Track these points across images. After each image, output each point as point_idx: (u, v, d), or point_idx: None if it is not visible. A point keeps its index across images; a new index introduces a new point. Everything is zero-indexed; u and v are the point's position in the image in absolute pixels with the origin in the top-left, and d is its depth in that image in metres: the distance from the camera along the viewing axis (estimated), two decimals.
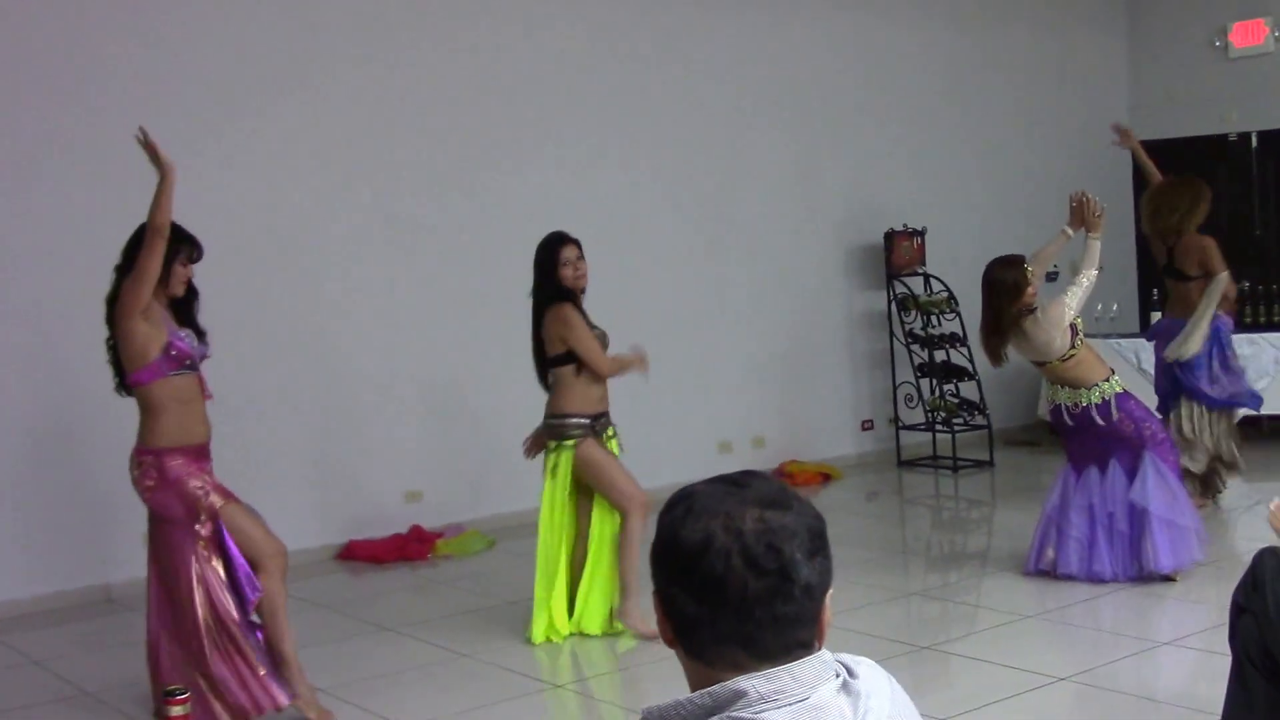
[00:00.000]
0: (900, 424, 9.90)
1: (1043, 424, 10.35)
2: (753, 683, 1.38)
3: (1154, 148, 8.61)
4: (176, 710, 4.07)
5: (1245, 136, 11.08)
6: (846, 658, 1.47)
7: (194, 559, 4.51)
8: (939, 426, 9.67)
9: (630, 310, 8.08)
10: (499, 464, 8.08)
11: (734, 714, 1.37)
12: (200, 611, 4.49)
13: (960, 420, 9.62)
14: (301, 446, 7.46)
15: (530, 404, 7.86)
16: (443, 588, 6.83)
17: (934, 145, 10.40)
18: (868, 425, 10.02)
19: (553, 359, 5.56)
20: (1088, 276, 6.16)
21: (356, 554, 7.46)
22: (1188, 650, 5.32)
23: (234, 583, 4.58)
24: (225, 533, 4.54)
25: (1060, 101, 11.25)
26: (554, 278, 5.51)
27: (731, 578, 1.37)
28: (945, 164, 10.47)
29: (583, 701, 5.17)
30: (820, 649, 1.43)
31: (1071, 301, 6.09)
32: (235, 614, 4.53)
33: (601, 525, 5.73)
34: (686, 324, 8.90)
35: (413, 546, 7.50)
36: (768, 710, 1.37)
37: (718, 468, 9.45)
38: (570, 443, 5.59)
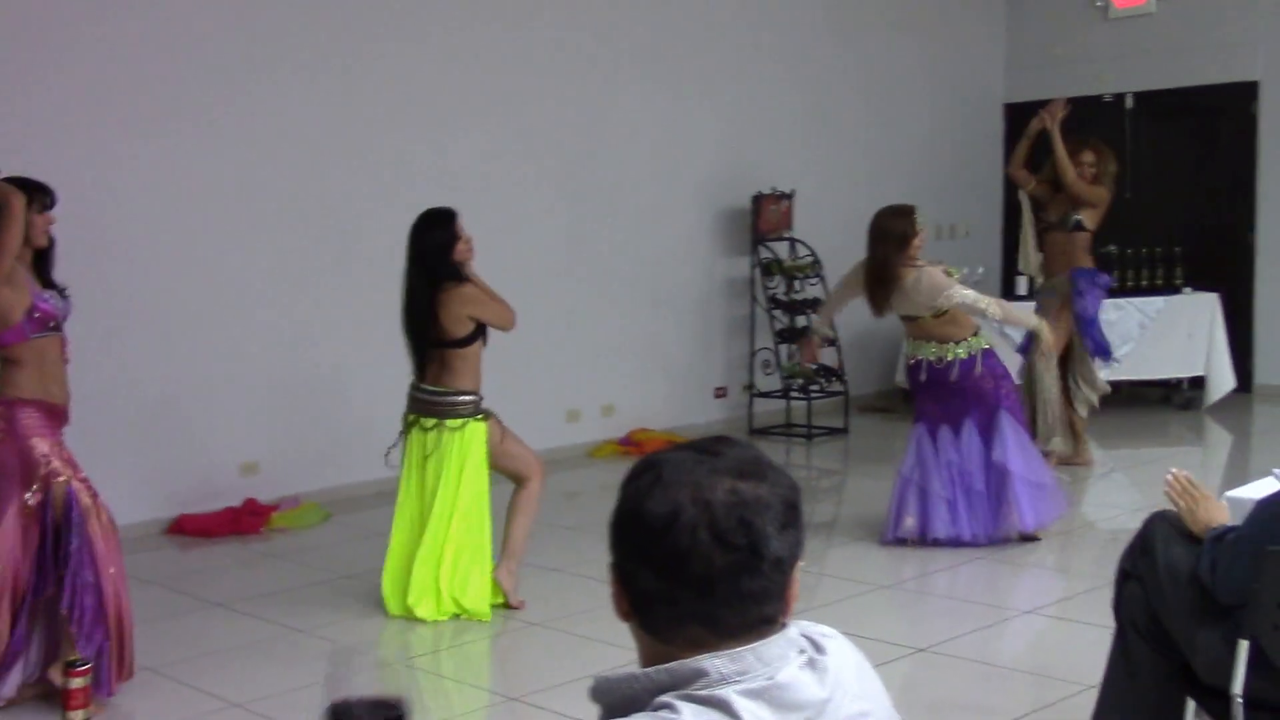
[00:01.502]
0: (755, 391, 9.99)
1: (898, 390, 10.59)
2: (715, 662, 1.35)
3: (1027, 108, 8.81)
4: (77, 683, 3.99)
5: (1120, 97, 11.39)
6: (813, 631, 1.44)
7: (9, 519, 4.46)
8: (794, 394, 9.78)
9: (480, 270, 7.95)
10: (338, 435, 7.96)
11: (693, 692, 1.33)
12: None
13: (817, 387, 9.74)
14: (132, 415, 7.23)
15: (373, 375, 7.78)
16: (277, 562, 6.70)
17: (805, 106, 10.49)
18: (721, 393, 10.09)
19: (457, 341, 5.51)
20: (987, 307, 6.16)
21: (186, 528, 7.27)
22: (1047, 619, 5.47)
23: (42, 561, 4.50)
24: (49, 508, 4.49)
25: (934, 60, 11.44)
26: (449, 257, 5.48)
27: (696, 553, 1.33)
28: (816, 125, 10.57)
29: (426, 678, 5.12)
30: (785, 624, 1.40)
31: (957, 296, 6.14)
32: (25, 587, 4.52)
33: (472, 502, 5.65)
34: (537, 286, 8.84)
35: (246, 520, 7.34)
36: (727, 688, 1.33)
37: (564, 438, 9.46)
38: (481, 418, 5.62)
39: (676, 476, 1.37)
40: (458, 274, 5.51)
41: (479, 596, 5.64)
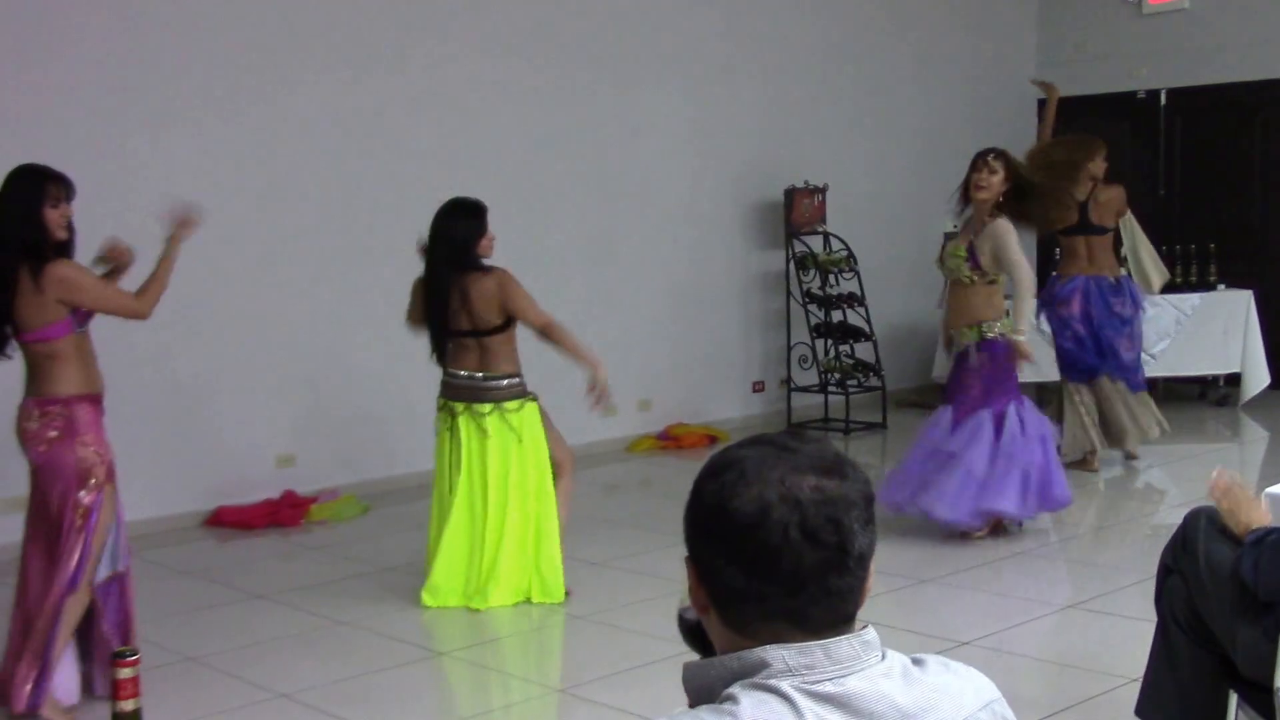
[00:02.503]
0: (793, 385, 10.01)
1: (935, 385, 10.57)
2: (783, 653, 1.35)
3: (1061, 104, 8.81)
4: (126, 673, 4.04)
5: (1154, 94, 11.34)
6: (924, 656, 1.43)
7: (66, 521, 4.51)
8: (832, 388, 9.80)
9: (512, 265, 7.97)
10: (373, 429, 8.02)
11: (757, 680, 1.34)
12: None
13: (854, 382, 9.76)
14: (168, 409, 7.30)
15: (408, 367, 7.83)
16: (317, 554, 6.76)
17: (836, 100, 10.48)
18: (759, 387, 10.12)
19: (496, 327, 5.56)
20: (1023, 277, 6.26)
21: (225, 520, 7.33)
22: (1089, 613, 5.48)
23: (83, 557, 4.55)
24: (97, 509, 4.53)
25: (966, 54, 11.41)
26: (474, 249, 5.53)
27: (787, 550, 1.33)
28: (847, 119, 10.56)
29: (470, 670, 5.17)
30: (865, 625, 1.40)
31: (1016, 269, 6.27)
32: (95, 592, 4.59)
33: (517, 493, 5.68)
34: (574, 281, 8.87)
35: (285, 512, 7.40)
36: (793, 680, 1.33)
37: (601, 432, 9.43)
38: (532, 399, 5.69)
39: (761, 473, 1.36)
40: (481, 265, 5.57)
41: (555, 575, 5.68)
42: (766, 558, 1.34)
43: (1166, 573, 3.33)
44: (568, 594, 5.74)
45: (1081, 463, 8.06)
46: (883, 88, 10.82)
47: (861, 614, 1.43)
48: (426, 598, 5.72)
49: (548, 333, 5.56)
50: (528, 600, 5.71)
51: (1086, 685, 4.54)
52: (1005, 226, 6.31)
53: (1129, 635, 4.87)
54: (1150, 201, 10.86)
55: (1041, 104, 11.52)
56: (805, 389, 9.97)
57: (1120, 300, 8.12)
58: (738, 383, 10.01)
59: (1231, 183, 11.04)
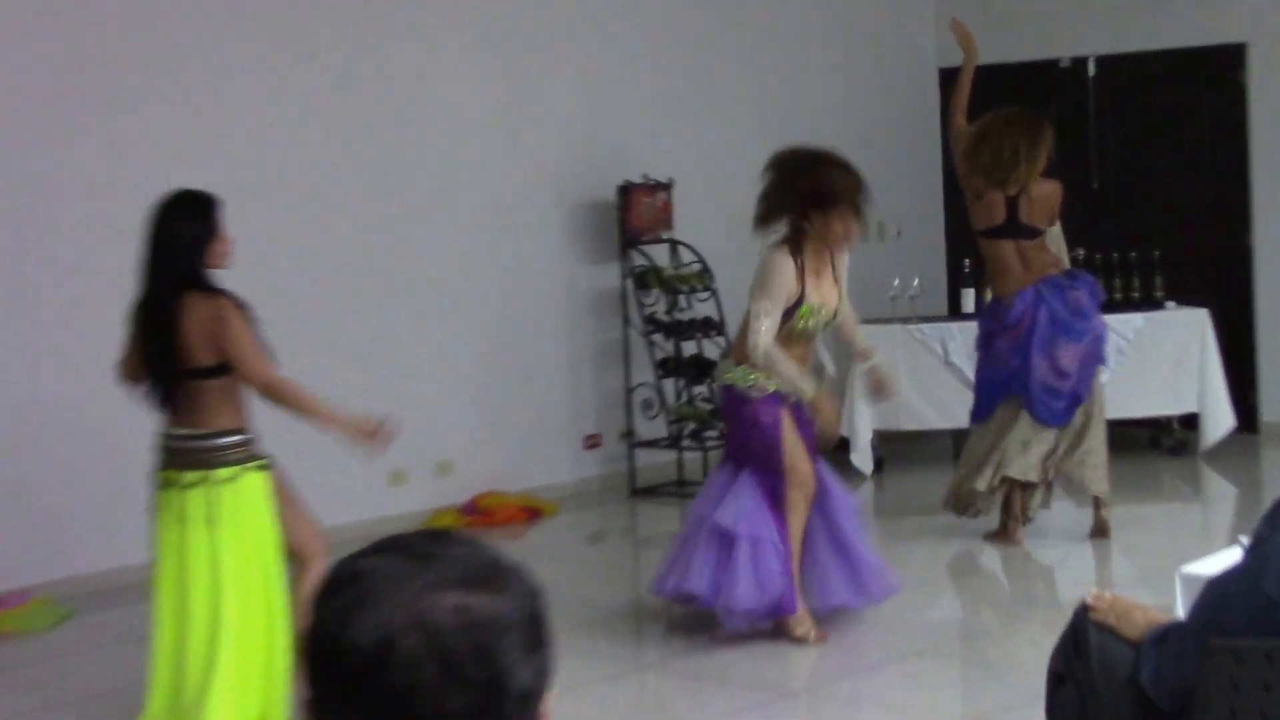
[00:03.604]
0: (636, 439, 10.00)
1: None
2: None
3: None
4: None
5: (1081, 63, 11.60)
6: None
7: None
8: (686, 442, 9.81)
9: (267, 290, 7.86)
10: (82, 508, 7.84)
11: None
12: None
13: (714, 433, 9.75)
14: None
15: (124, 423, 7.64)
16: None
17: (685, 75, 10.56)
18: (593, 442, 10.10)
19: (206, 369, 5.42)
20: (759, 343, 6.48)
21: None
22: None
23: None
24: None
25: (849, 19, 11.60)
26: (203, 257, 5.43)
27: (421, 694, 1.32)
28: (700, 99, 10.64)
29: None
30: None
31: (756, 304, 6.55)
32: None
33: (235, 591, 5.53)
34: (340, 310, 8.82)
35: None
36: None
37: (387, 506, 9.37)
38: (258, 465, 5.54)
39: (386, 592, 1.35)
40: (208, 281, 5.46)
41: (277, 703, 5.54)
42: (394, 703, 1.32)
43: (1057, 681, 3.42)
44: None
45: (999, 534, 8.14)
46: (742, 59, 10.93)
47: None
48: None
49: (268, 393, 5.49)
50: None
51: None
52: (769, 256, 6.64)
53: None
54: (1080, 199, 11.06)
55: (947, 75, 11.76)
56: (652, 444, 9.97)
57: (1078, 292, 8.11)
58: (565, 438, 9.99)
59: (1177, 173, 11.31)
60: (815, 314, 6.58)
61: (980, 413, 8.19)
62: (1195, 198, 11.26)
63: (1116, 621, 3.36)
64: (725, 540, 6.51)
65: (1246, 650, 2.90)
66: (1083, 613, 3.46)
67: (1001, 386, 8.04)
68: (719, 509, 6.57)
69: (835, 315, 6.71)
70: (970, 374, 9.24)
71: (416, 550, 1.40)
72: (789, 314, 6.50)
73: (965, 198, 8.30)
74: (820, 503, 6.68)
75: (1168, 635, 3.14)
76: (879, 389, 7.23)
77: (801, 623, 6.55)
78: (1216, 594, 3.03)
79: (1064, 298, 8.04)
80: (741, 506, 6.53)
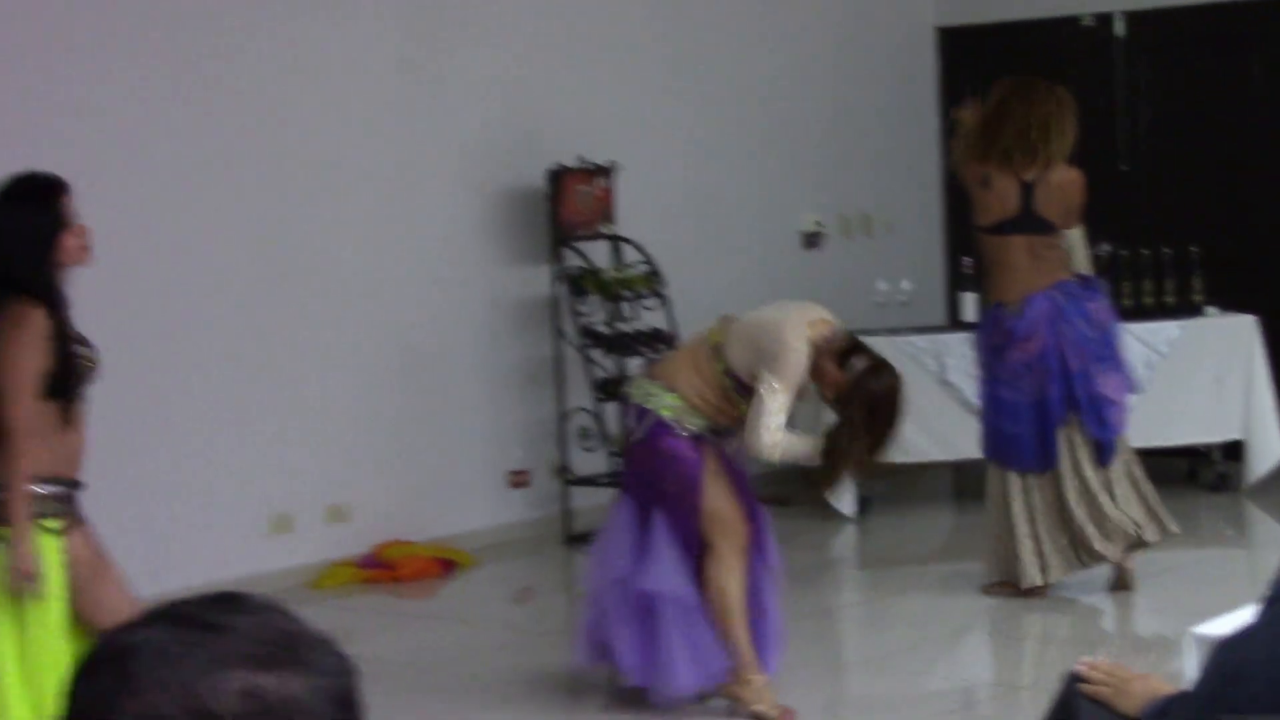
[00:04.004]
0: (571, 476, 9.97)
1: (802, 472, 10.52)
2: None
3: (969, 35, 8.85)
4: None
5: (1105, 20, 11.62)
6: None
7: None
8: None
9: (116, 297, 7.92)
10: None
11: None
12: None
13: None
14: None
15: None
16: None
17: (634, 33, 10.56)
18: (519, 480, 10.07)
19: None
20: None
21: None
22: None
23: None
24: None
25: None
26: (47, 253, 5.38)
27: None
28: (647, 66, 10.63)
29: None
30: None
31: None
32: None
33: (39, 669, 5.42)
34: (204, 323, 8.74)
35: None
36: None
37: (268, 559, 9.27)
38: (55, 524, 5.40)
39: (156, 672, 1.35)
40: (47, 284, 5.36)
41: None
42: None
43: None
44: None
45: (1030, 590, 8.05)
46: (705, 19, 10.93)
47: None
48: None
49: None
50: None
51: None
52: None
53: None
54: (1105, 184, 10.98)
55: (947, 37, 11.72)
56: (590, 480, 9.92)
57: (1096, 305, 8.20)
58: (486, 475, 9.97)
59: (1223, 154, 11.32)
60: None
61: (1019, 454, 8.07)
62: (1242, 183, 11.29)
63: (1112, 695, 3.39)
64: (649, 608, 6.54)
65: None
66: (1072, 684, 3.50)
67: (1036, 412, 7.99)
68: (639, 570, 6.58)
69: None
70: (971, 394, 9.16)
71: (196, 620, 1.40)
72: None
73: (969, 188, 8.26)
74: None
75: (1169, 710, 3.16)
76: None
77: (761, 696, 6.50)
78: (1227, 661, 3.02)
79: (1085, 312, 8.05)
80: (662, 566, 6.55)
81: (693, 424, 6.54)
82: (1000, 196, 8.01)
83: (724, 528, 6.53)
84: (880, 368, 6.53)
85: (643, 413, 6.64)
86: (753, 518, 6.74)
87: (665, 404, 6.57)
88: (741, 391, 6.49)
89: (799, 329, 6.45)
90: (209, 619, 1.41)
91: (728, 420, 6.61)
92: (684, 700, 6.53)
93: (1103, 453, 8.10)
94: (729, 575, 6.53)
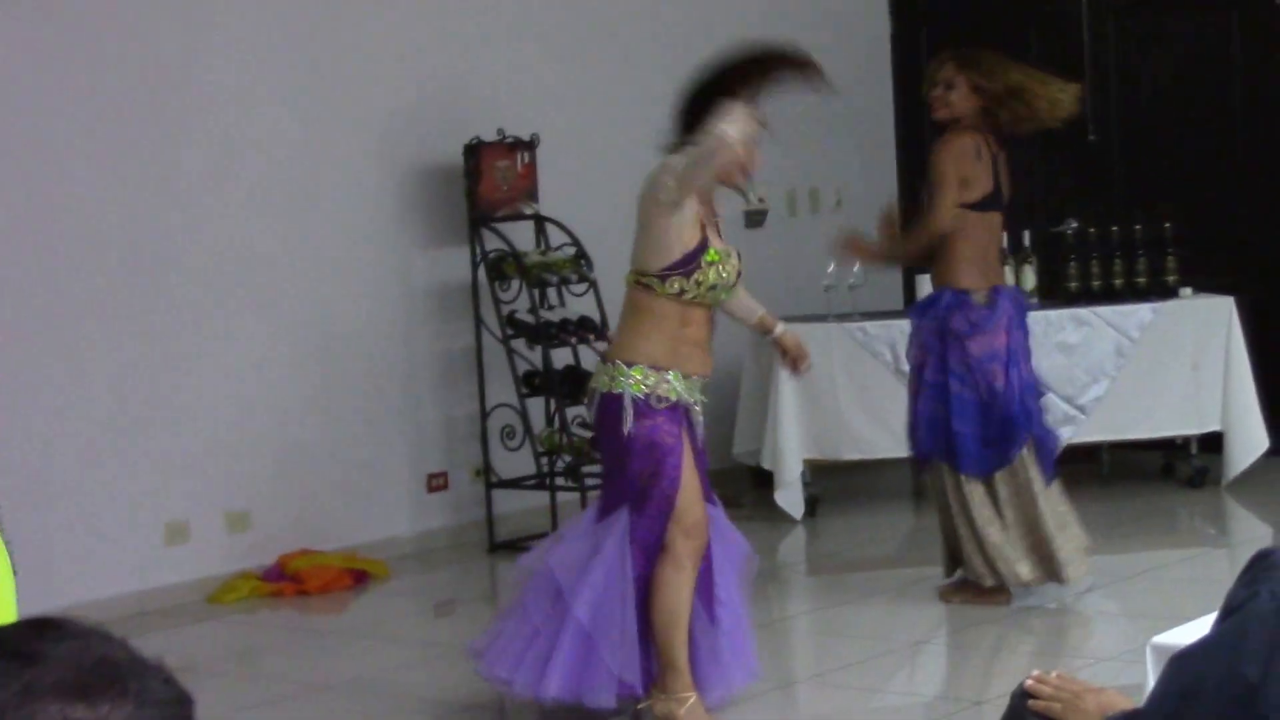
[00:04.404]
0: (495, 478, 9.99)
1: (744, 470, 10.59)
2: None
3: None
4: None
5: None
6: None
7: None
8: (560, 480, 9.80)
9: None
10: None
11: None
12: None
13: (599, 468, 9.70)
14: None
15: None
16: None
17: None
18: (438, 484, 10.09)
19: None
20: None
21: None
22: None
23: None
24: None
25: None
26: None
27: None
28: (577, 28, 10.67)
29: None
30: None
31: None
32: None
33: None
34: (101, 312, 8.73)
35: None
36: None
37: (162, 573, 9.28)
38: None
39: None
40: None
41: None
42: None
43: None
44: None
45: (987, 592, 8.11)
46: None
47: None
48: None
49: None
50: None
51: None
52: None
53: None
54: (1072, 156, 11.10)
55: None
56: (516, 483, 9.96)
57: (1023, 314, 8.35)
58: (401, 478, 9.99)
59: (1199, 123, 11.39)
60: (725, 262, 6.67)
61: (965, 453, 8.11)
62: (1219, 154, 11.34)
63: (1063, 711, 3.39)
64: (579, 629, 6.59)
65: None
66: (1021, 700, 3.48)
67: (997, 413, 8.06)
68: (580, 596, 6.58)
69: (739, 276, 6.81)
70: None
71: (8, 648, 1.40)
72: (691, 263, 6.57)
73: (952, 160, 8.10)
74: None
75: None
76: (794, 360, 7.30)
77: (694, 715, 6.53)
78: (1183, 675, 3.01)
79: (1026, 319, 8.32)
80: (596, 591, 6.57)
81: (667, 390, 6.55)
82: (986, 169, 8.05)
83: (688, 529, 6.52)
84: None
85: (611, 399, 6.61)
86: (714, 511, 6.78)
87: (633, 380, 6.56)
88: (671, 275, 6.58)
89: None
90: (22, 647, 1.41)
91: (695, 349, 6.65)
92: (612, 712, 6.57)
93: (1047, 464, 8.19)
94: (683, 583, 6.53)
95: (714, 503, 6.86)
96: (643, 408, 6.51)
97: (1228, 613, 2.94)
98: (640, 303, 6.64)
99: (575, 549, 6.67)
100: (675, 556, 6.51)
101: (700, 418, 6.71)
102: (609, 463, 6.85)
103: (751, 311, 7.20)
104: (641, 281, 6.62)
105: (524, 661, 6.59)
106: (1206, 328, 10.22)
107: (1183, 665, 3.02)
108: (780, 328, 7.22)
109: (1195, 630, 3.51)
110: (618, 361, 6.66)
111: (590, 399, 6.76)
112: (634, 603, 6.53)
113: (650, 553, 6.54)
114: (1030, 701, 3.49)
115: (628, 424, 6.55)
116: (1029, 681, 3.51)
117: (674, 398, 6.53)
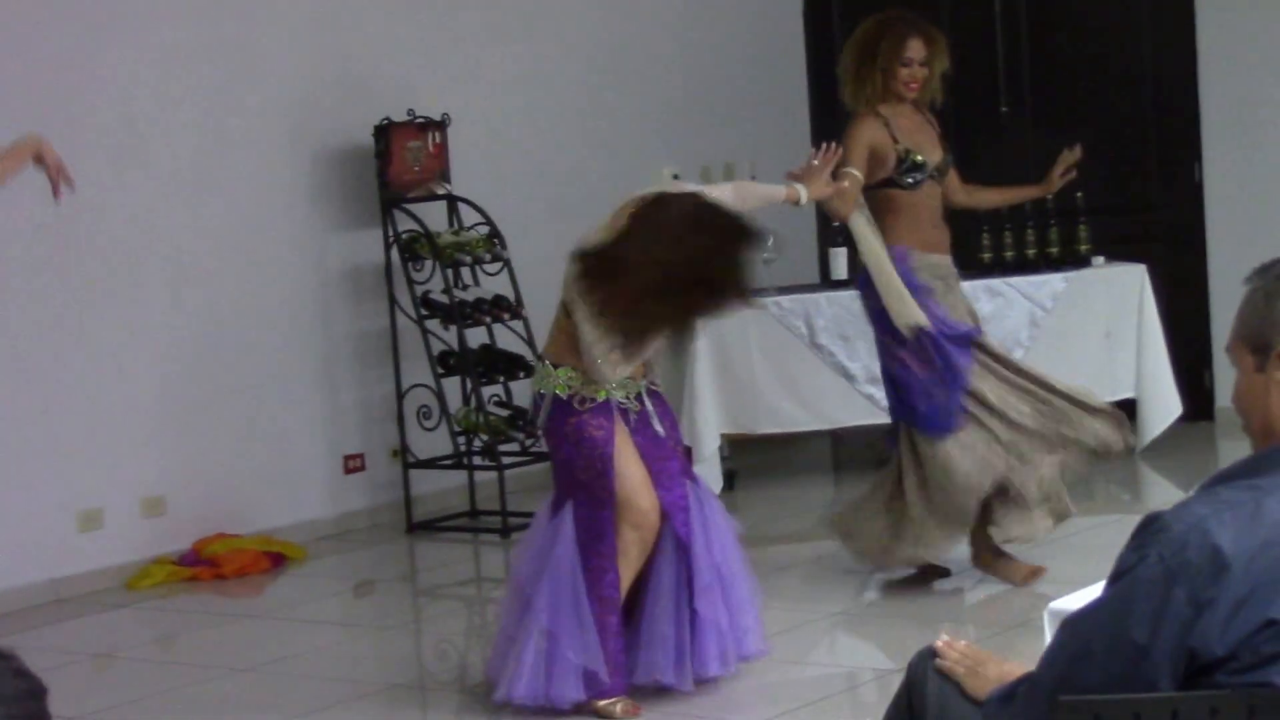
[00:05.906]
0: (412, 459, 10.00)
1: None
2: None
3: None
4: None
5: None
6: None
7: None
8: (478, 459, 9.82)
9: None
10: None
11: None
12: None
13: (515, 447, 9.79)
14: None
15: None
16: None
17: None
18: (355, 464, 10.10)
19: None
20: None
21: None
22: None
23: None
24: None
25: None
26: None
27: None
28: (483, 7, 10.67)
29: None
30: None
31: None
32: None
33: None
34: (9, 304, 8.71)
35: None
36: None
37: (77, 560, 9.28)
38: None
39: None
40: None
41: None
42: None
43: None
44: None
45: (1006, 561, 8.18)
46: None
47: None
48: None
49: None
50: None
51: None
52: None
53: None
54: (986, 123, 11.15)
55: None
56: (433, 463, 9.97)
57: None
58: (317, 460, 10.00)
59: (1108, 90, 11.46)
60: None
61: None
62: (1128, 121, 11.42)
63: (965, 675, 3.45)
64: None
65: (1106, 708, 2.91)
66: (920, 662, 3.54)
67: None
68: (540, 597, 6.58)
69: None
70: (845, 357, 9.31)
71: None
72: None
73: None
74: (687, 543, 6.70)
75: (1015, 693, 3.17)
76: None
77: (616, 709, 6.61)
78: (1074, 638, 3.04)
79: None
80: (553, 589, 6.57)
81: (593, 391, 6.56)
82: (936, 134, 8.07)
83: (631, 516, 6.52)
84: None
85: (540, 398, 6.67)
86: (674, 497, 6.71)
87: (559, 381, 6.58)
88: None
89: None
90: None
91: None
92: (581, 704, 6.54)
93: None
94: (626, 570, 6.57)
95: (696, 481, 6.91)
96: (567, 406, 6.54)
97: (1117, 576, 2.93)
98: (566, 329, 6.64)
99: (533, 551, 6.70)
100: (622, 546, 6.54)
101: (652, 409, 6.71)
102: (551, 457, 6.89)
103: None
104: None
105: (505, 672, 6.61)
106: (1119, 296, 10.26)
107: (1074, 628, 3.05)
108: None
109: (1091, 594, 3.43)
110: (546, 362, 6.71)
111: (532, 398, 6.81)
112: (585, 591, 6.53)
113: (597, 543, 6.55)
114: (935, 661, 3.53)
115: (556, 421, 6.60)
116: (939, 643, 3.56)
117: (601, 398, 6.54)
